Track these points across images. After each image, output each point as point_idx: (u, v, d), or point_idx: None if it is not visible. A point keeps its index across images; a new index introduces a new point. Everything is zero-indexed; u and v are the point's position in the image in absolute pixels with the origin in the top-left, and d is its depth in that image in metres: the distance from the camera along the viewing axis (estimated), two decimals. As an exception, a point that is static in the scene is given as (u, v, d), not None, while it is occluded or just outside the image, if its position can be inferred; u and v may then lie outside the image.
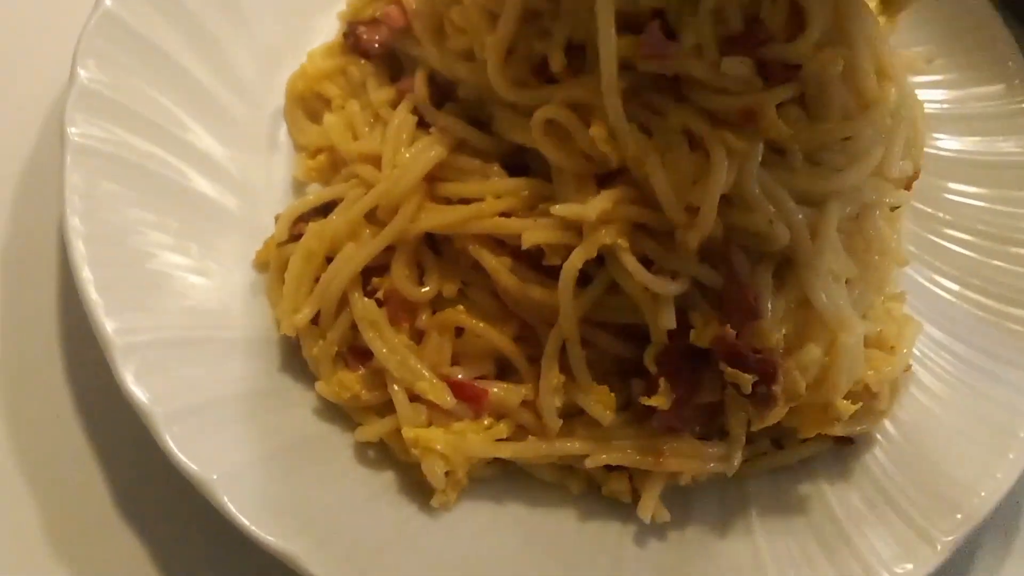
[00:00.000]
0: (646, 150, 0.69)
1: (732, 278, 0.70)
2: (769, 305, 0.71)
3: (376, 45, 0.86)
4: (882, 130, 0.74)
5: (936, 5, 0.95)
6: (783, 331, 0.72)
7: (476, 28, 0.75)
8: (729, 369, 0.69)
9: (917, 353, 0.81)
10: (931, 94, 0.92)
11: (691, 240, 0.68)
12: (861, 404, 0.76)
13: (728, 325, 0.69)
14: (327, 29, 0.91)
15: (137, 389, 0.67)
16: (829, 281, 0.72)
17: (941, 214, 0.89)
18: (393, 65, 0.86)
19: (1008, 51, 0.94)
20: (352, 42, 0.87)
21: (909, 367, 0.80)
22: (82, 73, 0.76)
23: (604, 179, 0.73)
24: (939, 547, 0.73)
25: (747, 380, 0.69)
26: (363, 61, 0.86)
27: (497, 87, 0.74)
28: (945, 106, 0.92)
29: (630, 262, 0.69)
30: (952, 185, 0.90)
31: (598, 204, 0.69)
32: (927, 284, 0.86)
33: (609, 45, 0.68)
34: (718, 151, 0.68)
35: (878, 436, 0.79)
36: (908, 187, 0.81)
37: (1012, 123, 0.92)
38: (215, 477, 0.66)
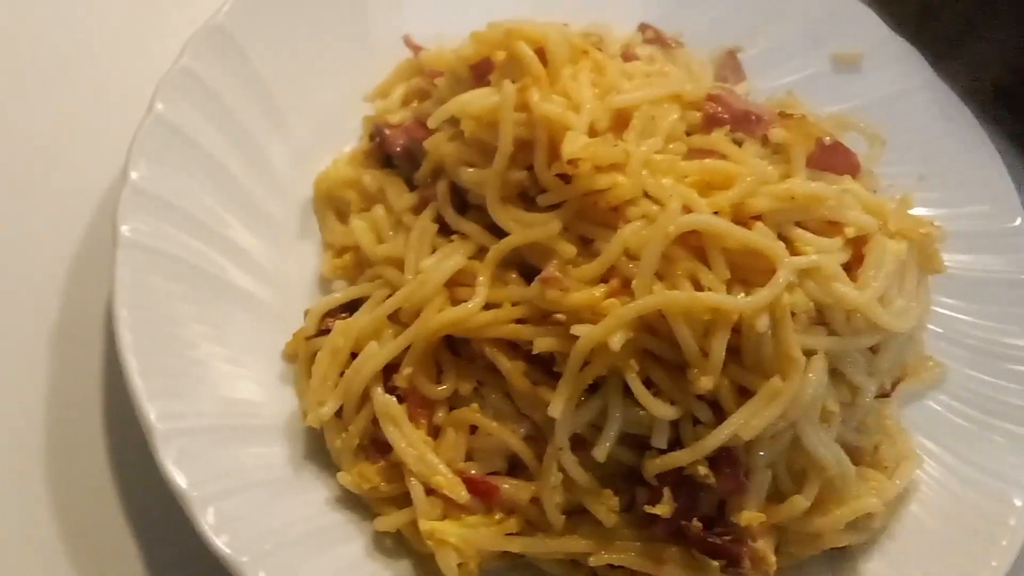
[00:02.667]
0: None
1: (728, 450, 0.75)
2: (756, 480, 0.76)
3: (398, 149, 0.91)
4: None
5: (928, 126, 1.01)
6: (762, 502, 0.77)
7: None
8: (697, 553, 0.75)
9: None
10: (922, 212, 0.96)
11: (704, 384, 0.73)
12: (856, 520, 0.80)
13: (695, 519, 0.75)
14: (359, 129, 0.98)
15: (176, 474, 0.72)
16: (819, 425, 0.77)
17: (932, 327, 0.93)
18: (413, 167, 0.91)
19: (996, 172, 0.99)
20: (378, 143, 0.93)
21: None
22: (134, 174, 0.82)
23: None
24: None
25: (715, 567, 0.75)
26: (378, 171, 0.92)
27: (495, 216, 0.80)
28: (935, 223, 0.97)
29: (636, 385, 0.73)
30: (942, 299, 0.94)
31: (621, 334, 0.73)
32: (922, 398, 0.91)
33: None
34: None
35: (870, 541, 0.83)
36: (892, 388, 0.86)
37: (1000, 241, 0.97)
38: (246, 560, 0.70)
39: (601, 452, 0.75)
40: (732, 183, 0.77)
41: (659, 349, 0.75)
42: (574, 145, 0.75)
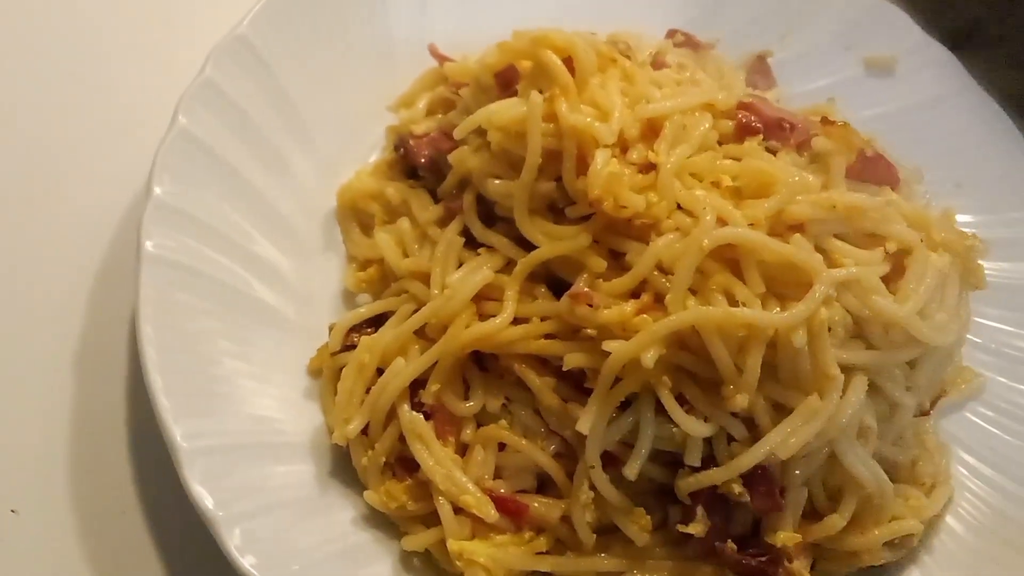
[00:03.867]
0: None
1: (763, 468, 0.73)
2: (792, 498, 0.75)
3: (423, 160, 0.90)
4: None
5: (964, 132, 0.99)
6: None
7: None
8: (732, 575, 0.74)
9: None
10: (959, 220, 0.94)
11: (740, 401, 0.71)
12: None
13: (729, 539, 0.74)
14: (383, 140, 0.97)
15: (202, 493, 0.71)
16: (856, 442, 0.75)
17: (970, 337, 0.91)
18: (438, 178, 0.90)
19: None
20: (402, 153, 0.92)
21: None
22: (157, 189, 0.81)
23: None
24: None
25: None
26: (401, 183, 0.91)
27: (523, 229, 0.79)
28: (973, 231, 0.95)
29: (669, 401, 0.72)
30: (981, 308, 0.92)
31: (655, 351, 0.71)
32: (960, 409, 0.89)
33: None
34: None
35: (909, 559, 0.82)
36: (931, 405, 0.84)
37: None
38: (272, 580, 0.70)
39: (632, 469, 0.74)
40: (771, 189, 0.75)
41: (692, 365, 0.73)
42: (598, 179, 0.74)
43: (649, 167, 0.77)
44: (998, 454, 0.86)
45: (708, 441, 0.74)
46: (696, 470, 0.74)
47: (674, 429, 0.73)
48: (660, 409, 0.74)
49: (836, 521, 0.76)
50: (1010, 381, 0.90)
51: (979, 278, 0.86)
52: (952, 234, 0.82)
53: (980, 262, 0.86)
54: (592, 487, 0.75)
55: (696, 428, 0.73)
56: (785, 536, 0.75)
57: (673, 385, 0.73)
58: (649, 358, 0.70)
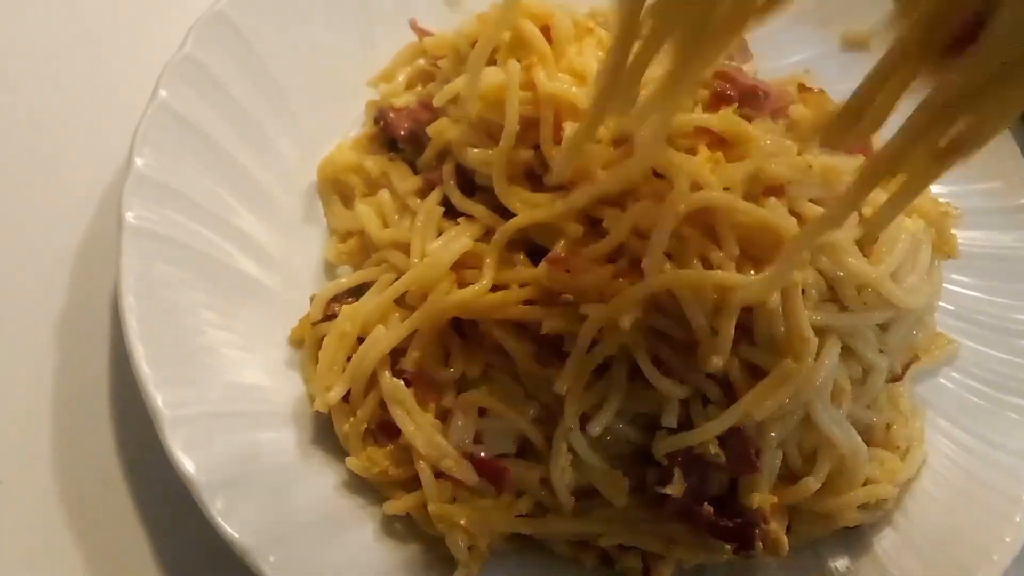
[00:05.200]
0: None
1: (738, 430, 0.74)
2: (768, 460, 0.76)
3: (403, 132, 0.91)
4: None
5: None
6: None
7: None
8: (711, 542, 0.75)
9: (921, 442, 0.85)
10: (933, 189, 0.96)
11: (715, 363, 0.72)
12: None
13: (706, 503, 0.75)
14: (364, 116, 0.97)
15: (184, 460, 0.71)
16: (830, 404, 0.76)
17: (943, 304, 0.92)
18: (418, 150, 0.90)
19: (1007, 149, 0.98)
20: (382, 126, 0.93)
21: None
22: (138, 161, 0.81)
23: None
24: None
25: (727, 549, 0.75)
26: (381, 156, 0.91)
27: (501, 197, 0.80)
28: (947, 200, 0.96)
29: (645, 363, 0.73)
30: (954, 276, 0.93)
31: (631, 314, 0.72)
32: (934, 376, 0.90)
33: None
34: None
35: (884, 518, 0.83)
36: (904, 370, 0.85)
37: (1011, 219, 0.96)
38: (255, 545, 0.70)
39: (597, 426, 0.74)
40: (749, 146, 0.75)
41: (668, 328, 0.74)
42: (568, 161, 0.75)
43: (622, 141, 0.78)
44: (971, 418, 0.87)
45: (685, 404, 0.75)
46: (673, 432, 0.75)
47: (650, 391, 0.74)
48: (637, 373, 0.75)
49: (810, 483, 0.78)
50: (982, 347, 0.91)
51: (952, 247, 0.87)
52: (926, 202, 0.83)
53: (953, 231, 0.88)
54: (571, 450, 0.76)
55: (672, 390, 0.74)
56: (761, 498, 0.76)
57: (649, 348, 0.74)
58: (626, 321, 0.72)
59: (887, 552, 0.81)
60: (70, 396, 0.83)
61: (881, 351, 0.79)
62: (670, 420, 0.75)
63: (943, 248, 0.86)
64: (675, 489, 0.74)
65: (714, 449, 0.74)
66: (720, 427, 0.74)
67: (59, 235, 0.89)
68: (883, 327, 0.79)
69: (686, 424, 0.75)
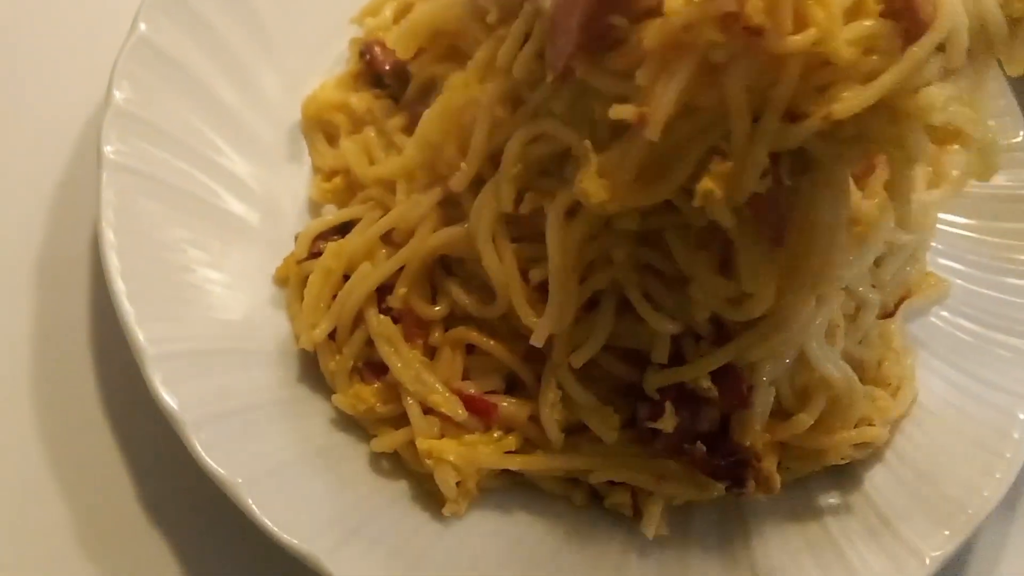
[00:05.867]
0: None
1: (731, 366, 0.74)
2: (761, 397, 0.75)
3: (388, 67, 0.89)
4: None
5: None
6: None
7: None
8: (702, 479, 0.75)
9: (911, 379, 0.85)
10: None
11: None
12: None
13: (698, 442, 0.74)
14: (348, 54, 0.96)
15: (167, 396, 0.71)
16: (824, 341, 0.76)
17: (935, 244, 0.92)
18: (403, 85, 0.89)
19: (999, 87, 0.97)
20: (368, 60, 0.91)
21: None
22: (117, 94, 0.79)
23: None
24: (928, 561, 0.76)
25: (718, 487, 0.75)
26: (365, 93, 0.90)
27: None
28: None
29: (636, 297, 0.72)
30: (945, 216, 0.92)
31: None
32: (925, 314, 0.89)
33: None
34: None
35: (872, 455, 0.83)
36: (896, 306, 0.84)
37: (1004, 157, 0.95)
38: (240, 481, 0.69)
39: (579, 359, 0.74)
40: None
41: (659, 263, 0.73)
42: None
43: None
44: (962, 356, 0.87)
45: (676, 340, 0.75)
46: (665, 367, 0.74)
47: (639, 327, 0.74)
48: (627, 308, 0.74)
49: (804, 420, 0.77)
50: (973, 286, 0.91)
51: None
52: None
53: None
54: (559, 387, 0.75)
55: (663, 325, 0.73)
56: (753, 435, 0.75)
57: (640, 282, 0.73)
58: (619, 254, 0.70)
59: (877, 488, 0.81)
60: (50, 335, 0.82)
61: (874, 286, 0.78)
62: (660, 356, 0.74)
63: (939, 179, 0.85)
64: (666, 424, 0.74)
65: (706, 383, 0.73)
66: (714, 363, 0.73)
67: (38, 171, 0.87)
68: (876, 262, 0.78)
69: (676, 361, 0.75)
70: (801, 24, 0.59)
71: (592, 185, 0.66)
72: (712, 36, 0.58)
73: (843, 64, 0.59)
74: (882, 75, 0.60)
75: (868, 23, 0.60)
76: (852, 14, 0.60)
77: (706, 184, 0.63)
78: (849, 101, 0.60)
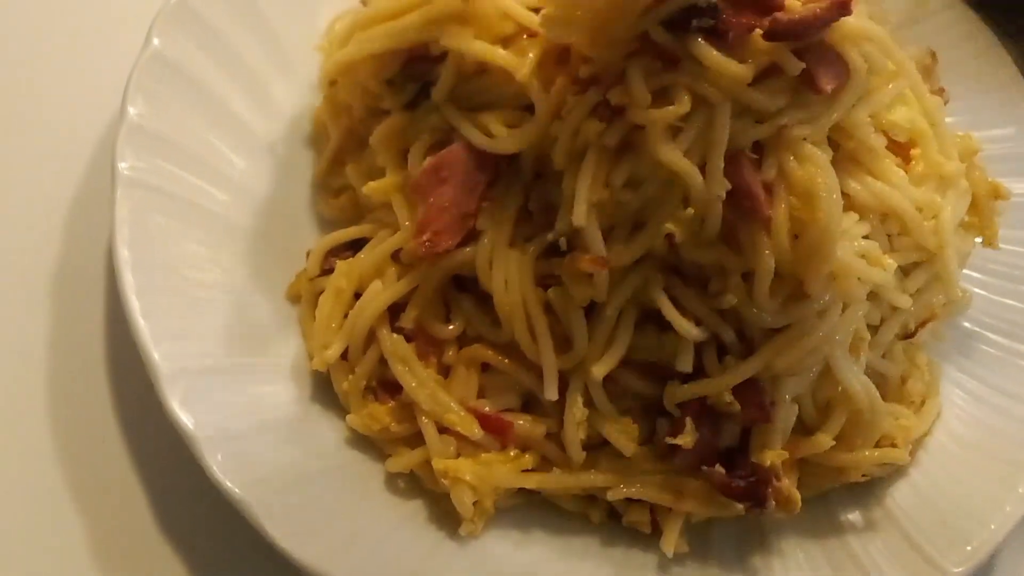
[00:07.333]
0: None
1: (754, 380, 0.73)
2: (782, 413, 0.75)
3: None
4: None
5: (949, 49, 0.98)
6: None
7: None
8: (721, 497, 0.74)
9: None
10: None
11: (728, 300, 0.72)
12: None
13: (717, 464, 0.74)
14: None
15: (182, 415, 0.70)
16: (849, 356, 0.75)
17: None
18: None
19: (1020, 94, 0.97)
20: None
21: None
22: (131, 110, 0.79)
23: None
24: (950, 577, 0.75)
25: (739, 509, 0.74)
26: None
27: None
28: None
29: (662, 300, 0.72)
30: (964, 226, 0.92)
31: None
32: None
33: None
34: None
35: (894, 470, 0.82)
36: (920, 326, 0.83)
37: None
38: (255, 500, 0.69)
39: (600, 370, 0.73)
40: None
41: (683, 265, 0.73)
42: None
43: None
44: (984, 367, 0.86)
45: (698, 354, 0.74)
46: (685, 381, 0.74)
47: (659, 339, 0.73)
48: (647, 320, 0.74)
49: (824, 440, 0.77)
50: (995, 296, 0.90)
51: (992, 233, 0.86)
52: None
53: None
54: (587, 404, 0.75)
55: (689, 329, 0.72)
56: (773, 455, 0.75)
57: (666, 285, 0.73)
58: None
59: (898, 503, 0.80)
60: (65, 352, 0.82)
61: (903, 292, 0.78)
62: (684, 364, 0.73)
63: (982, 230, 0.85)
64: (686, 440, 0.73)
65: (728, 397, 0.72)
66: (739, 376, 0.72)
67: (53, 187, 0.88)
68: (905, 270, 0.78)
69: (698, 375, 0.74)
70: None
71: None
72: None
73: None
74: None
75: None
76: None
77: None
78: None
